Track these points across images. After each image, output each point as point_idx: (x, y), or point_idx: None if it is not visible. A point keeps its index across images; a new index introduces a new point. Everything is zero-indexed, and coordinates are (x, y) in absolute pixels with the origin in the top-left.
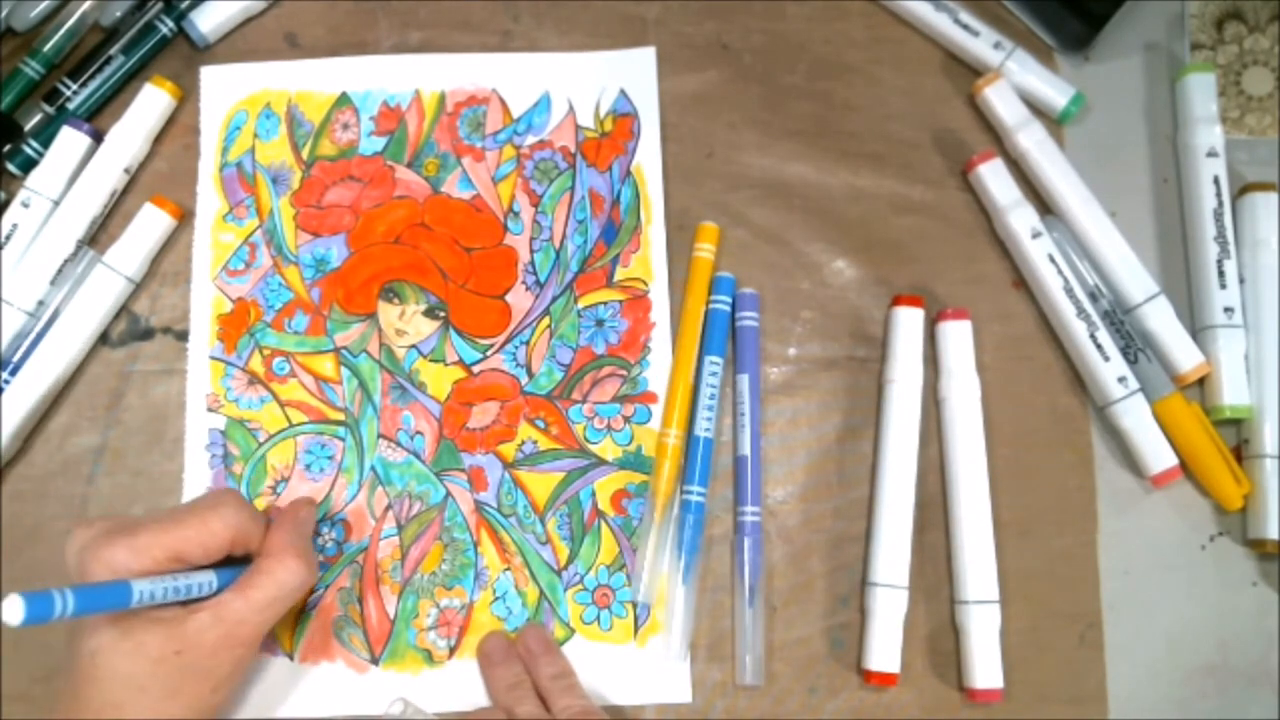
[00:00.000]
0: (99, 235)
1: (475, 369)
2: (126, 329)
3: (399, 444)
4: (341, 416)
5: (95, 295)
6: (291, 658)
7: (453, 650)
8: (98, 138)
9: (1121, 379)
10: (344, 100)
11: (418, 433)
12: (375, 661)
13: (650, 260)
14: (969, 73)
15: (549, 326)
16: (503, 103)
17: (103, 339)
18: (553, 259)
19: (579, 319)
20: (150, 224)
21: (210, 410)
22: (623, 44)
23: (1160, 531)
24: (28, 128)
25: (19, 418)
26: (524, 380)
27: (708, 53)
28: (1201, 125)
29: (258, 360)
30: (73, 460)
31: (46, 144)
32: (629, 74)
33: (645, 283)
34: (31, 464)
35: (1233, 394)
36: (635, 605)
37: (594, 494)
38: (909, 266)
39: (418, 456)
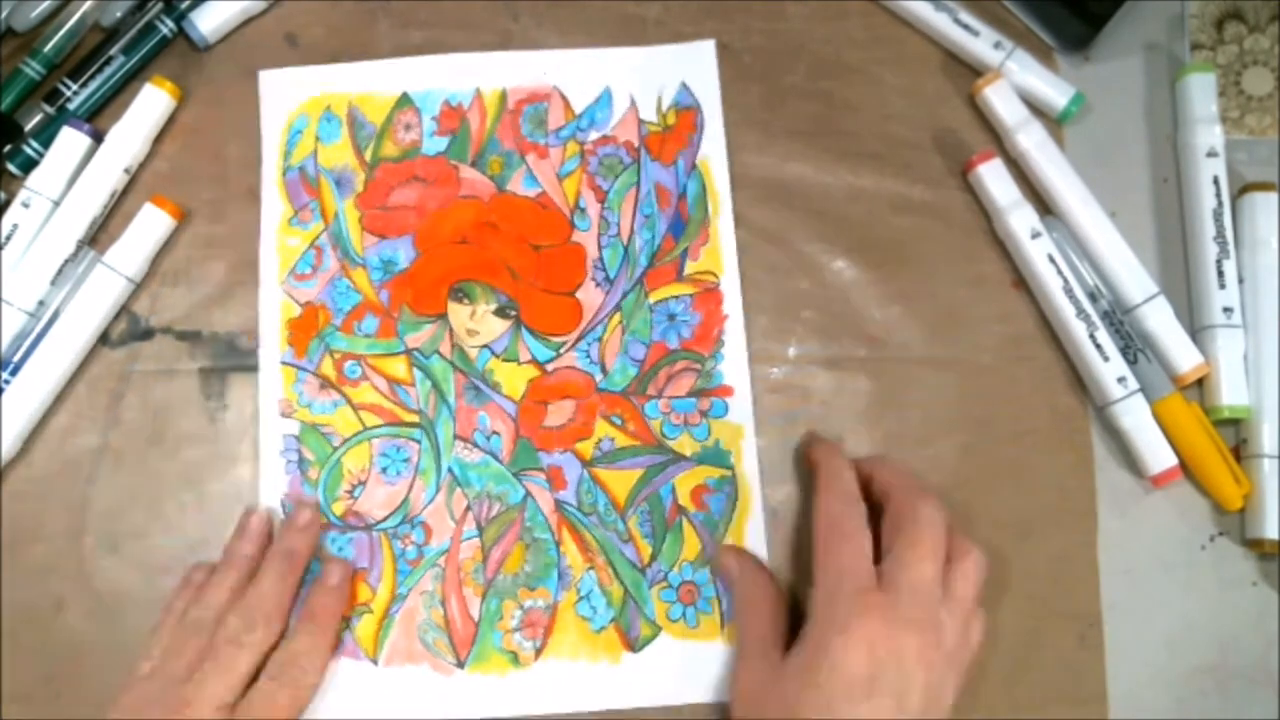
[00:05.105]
0: (99, 235)
1: (549, 367)
2: (126, 329)
3: (475, 445)
4: (416, 419)
5: (95, 295)
6: (376, 662)
7: (539, 651)
8: (98, 138)
9: (1121, 379)
10: (405, 101)
11: (494, 433)
12: (461, 665)
13: (720, 252)
14: (969, 73)
15: (621, 322)
16: (564, 99)
17: (103, 339)
18: (621, 254)
19: (650, 314)
20: (150, 224)
21: (284, 416)
22: (622, 44)
23: (1160, 531)
24: (28, 128)
25: (19, 418)
26: (598, 377)
27: None
28: (1201, 125)
29: (329, 364)
30: (73, 460)
31: (47, 144)
32: (689, 67)
33: (716, 275)
34: (31, 464)
35: (1231, 394)
36: (720, 600)
37: (674, 490)
38: (909, 266)
39: (495, 457)
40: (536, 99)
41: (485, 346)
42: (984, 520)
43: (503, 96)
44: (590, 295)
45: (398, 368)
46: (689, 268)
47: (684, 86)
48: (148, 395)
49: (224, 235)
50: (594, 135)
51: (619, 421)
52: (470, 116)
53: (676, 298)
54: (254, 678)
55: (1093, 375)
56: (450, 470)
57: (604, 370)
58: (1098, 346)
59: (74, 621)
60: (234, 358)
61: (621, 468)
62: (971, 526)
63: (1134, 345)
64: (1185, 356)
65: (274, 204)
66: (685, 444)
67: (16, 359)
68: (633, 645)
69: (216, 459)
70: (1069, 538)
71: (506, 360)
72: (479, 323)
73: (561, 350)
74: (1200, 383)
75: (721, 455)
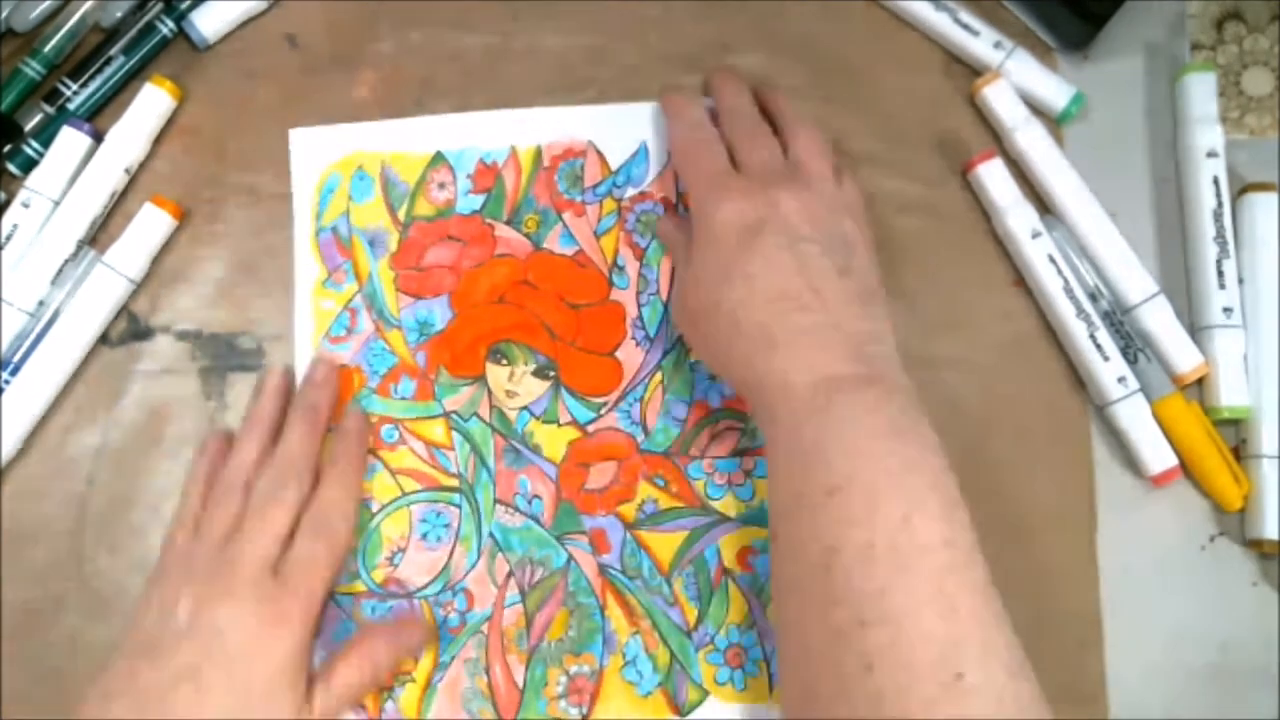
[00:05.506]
0: (99, 235)
1: (590, 428)
2: (126, 329)
3: (517, 508)
4: (455, 483)
5: (95, 295)
6: None
7: (585, 717)
8: (98, 138)
9: (1121, 379)
10: (439, 159)
11: (535, 496)
12: None
13: None
14: (969, 73)
15: (662, 381)
16: (600, 155)
17: (103, 339)
18: (661, 312)
19: (692, 372)
20: (150, 224)
21: None
22: (623, 44)
23: (1160, 531)
24: (28, 128)
25: (19, 418)
26: (640, 438)
27: (708, 53)
28: (1201, 125)
29: None
30: (73, 460)
31: (47, 144)
32: None
33: None
34: (31, 464)
35: (1231, 394)
36: (768, 663)
37: (719, 552)
38: (909, 266)
39: (536, 520)
40: (572, 155)
41: (524, 408)
42: (984, 520)
43: (538, 153)
44: (630, 354)
45: (436, 431)
46: None
47: None
48: (148, 395)
49: (224, 235)
50: (631, 191)
51: (662, 483)
52: (505, 174)
53: None
54: (290, 535)
55: (1093, 375)
56: (491, 535)
57: (645, 431)
58: (1098, 346)
59: (74, 621)
60: (234, 358)
61: (665, 530)
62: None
63: (1134, 345)
64: (1185, 356)
65: (307, 266)
66: (730, 505)
67: (16, 359)
68: (680, 709)
69: None
70: (1069, 538)
71: (546, 422)
72: (518, 384)
73: (602, 411)
74: (1200, 382)
75: (766, 516)
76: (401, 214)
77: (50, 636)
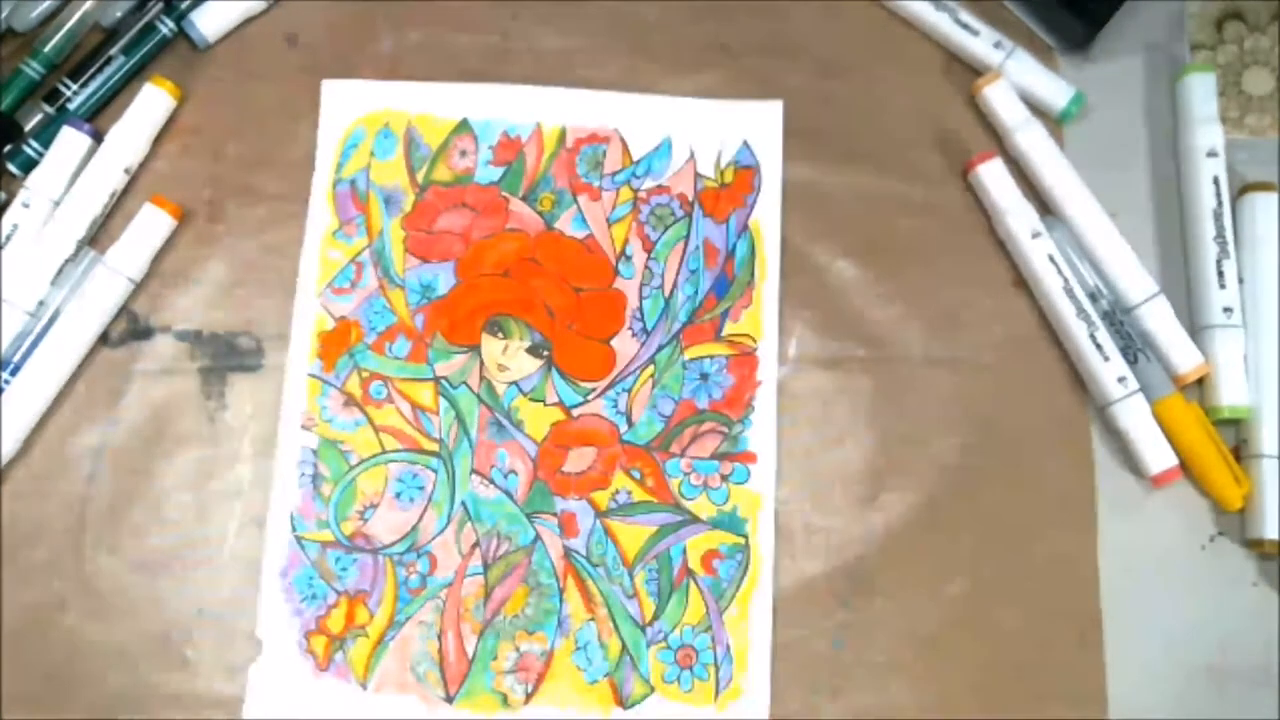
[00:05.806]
0: (99, 235)
1: (575, 412)
2: (126, 329)
3: (492, 481)
4: (435, 447)
5: (95, 295)
6: (364, 687)
7: (529, 696)
8: (98, 138)
9: (1121, 379)
10: (464, 126)
11: (511, 471)
12: (449, 700)
13: (761, 318)
14: (969, 73)
15: (653, 375)
16: (623, 143)
17: (103, 339)
18: (661, 307)
19: (684, 370)
20: (150, 224)
21: (304, 428)
22: (623, 44)
23: (1160, 531)
24: (28, 128)
25: (19, 418)
26: (623, 428)
27: (708, 53)
28: (1201, 125)
29: (355, 382)
30: (73, 460)
31: (47, 144)
32: (754, 126)
33: (754, 340)
34: (31, 464)
35: (1231, 394)
36: (718, 668)
37: (685, 551)
38: (909, 266)
39: (510, 495)
40: (596, 140)
41: (514, 383)
42: (984, 520)
43: (562, 134)
44: (625, 344)
45: (424, 394)
46: (728, 329)
47: (746, 145)
48: (148, 395)
49: (224, 235)
50: (649, 183)
51: (638, 475)
52: (527, 150)
53: (711, 357)
54: None
55: (1093, 375)
56: (463, 504)
57: (630, 422)
58: (1098, 346)
59: (74, 621)
60: (234, 358)
61: (635, 522)
62: (971, 527)
63: (1134, 345)
64: (1185, 356)
65: (321, 215)
66: (702, 506)
67: (16, 359)
68: (624, 702)
69: (216, 459)
70: (1069, 537)
71: (533, 400)
72: (510, 359)
73: (589, 396)
74: (1200, 383)
75: (737, 523)
76: (420, 176)
77: (50, 636)
